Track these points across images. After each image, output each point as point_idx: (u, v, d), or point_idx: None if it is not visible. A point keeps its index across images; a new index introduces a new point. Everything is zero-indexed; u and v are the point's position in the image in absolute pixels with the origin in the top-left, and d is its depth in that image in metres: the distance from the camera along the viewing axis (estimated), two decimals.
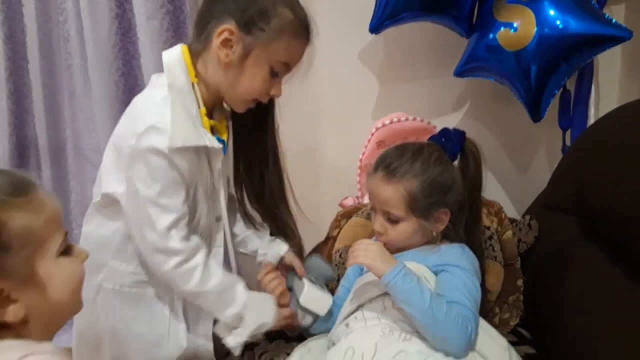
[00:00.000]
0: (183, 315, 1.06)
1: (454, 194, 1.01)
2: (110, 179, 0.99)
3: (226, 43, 0.93)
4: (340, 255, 1.29)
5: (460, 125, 1.07)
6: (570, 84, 1.40)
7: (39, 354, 0.59)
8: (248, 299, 1.01)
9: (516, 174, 1.55)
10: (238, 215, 1.19)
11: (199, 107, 0.97)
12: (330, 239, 1.36)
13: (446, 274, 0.98)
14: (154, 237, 0.93)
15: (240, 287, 1.02)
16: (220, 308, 1.00)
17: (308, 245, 1.39)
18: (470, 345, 0.91)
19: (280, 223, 1.19)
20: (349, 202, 1.51)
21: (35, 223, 0.62)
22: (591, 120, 1.41)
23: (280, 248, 1.18)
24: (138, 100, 1.00)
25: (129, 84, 1.64)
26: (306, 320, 1.10)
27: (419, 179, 0.98)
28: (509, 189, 1.53)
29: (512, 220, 1.25)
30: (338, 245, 1.31)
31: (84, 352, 1.09)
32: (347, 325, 1.01)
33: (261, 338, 1.12)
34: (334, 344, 0.99)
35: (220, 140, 1.00)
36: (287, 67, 0.99)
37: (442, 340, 0.90)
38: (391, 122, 1.40)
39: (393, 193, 0.98)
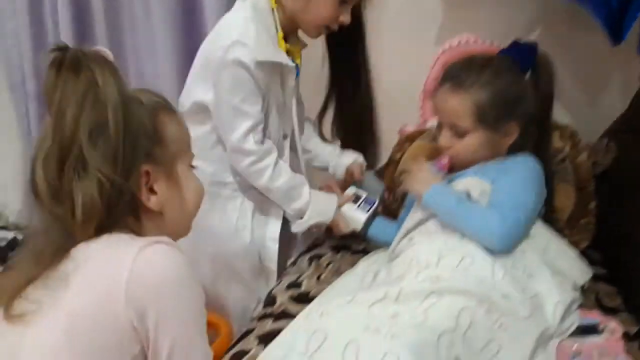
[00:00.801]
0: (251, 217, 1.19)
1: (524, 107, 0.98)
2: (198, 89, 1.11)
3: None
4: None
5: None
6: None
7: (166, 243, 0.62)
8: (311, 199, 1.14)
9: (588, 102, 1.49)
10: (312, 132, 1.30)
11: (277, 30, 1.07)
12: (392, 163, 1.35)
13: (499, 181, 0.96)
14: (234, 139, 1.07)
15: (305, 188, 1.15)
16: (287, 203, 1.14)
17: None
18: (510, 242, 0.89)
19: (364, 132, 1.31)
20: (410, 129, 1.49)
21: (182, 132, 0.73)
22: None
23: (348, 158, 1.28)
24: (224, 19, 1.11)
25: (189, 6, 1.63)
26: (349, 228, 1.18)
27: (488, 89, 0.96)
28: (580, 117, 1.46)
29: None
30: (402, 167, 1.30)
31: None
32: (410, 239, 1.01)
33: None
34: (397, 257, 0.99)
35: (293, 62, 1.11)
36: None
37: (476, 234, 0.90)
38: (459, 44, 1.36)
39: (460, 104, 0.97)
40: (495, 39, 1.38)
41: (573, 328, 0.84)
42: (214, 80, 1.06)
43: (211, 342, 1.01)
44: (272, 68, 1.06)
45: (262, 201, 1.19)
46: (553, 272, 0.91)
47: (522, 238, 0.92)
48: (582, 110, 1.47)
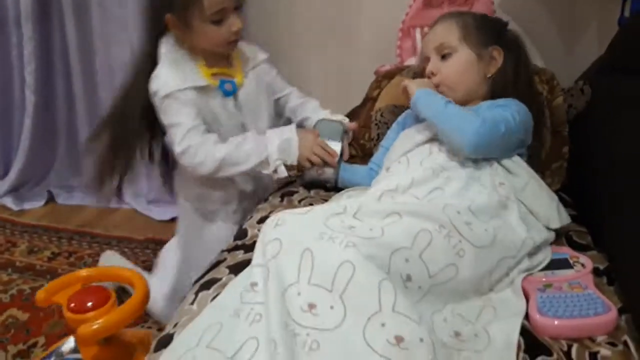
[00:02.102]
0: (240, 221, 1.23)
1: (507, 35, 1.06)
2: None
3: (176, 27, 1.08)
4: (381, 115, 1.25)
5: None
6: None
7: None
8: (266, 135, 1.12)
9: (565, 47, 1.48)
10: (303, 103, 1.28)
11: (194, 61, 1.12)
12: (369, 100, 1.32)
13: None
14: (177, 150, 1.10)
15: (248, 133, 1.13)
16: (247, 159, 1.10)
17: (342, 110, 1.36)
18: (481, 144, 0.90)
19: None
20: (386, 68, 1.45)
21: None
22: None
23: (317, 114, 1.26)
24: None
25: None
26: (327, 173, 1.14)
27: (472, 15, 1.07)
28: (557, 63, 1.45)
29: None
30: (379, 104, 1.27)
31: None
32: (387, 169, 1.00)
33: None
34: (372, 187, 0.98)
35: (227, 81, 1.14)
36: (222, 11, 1.06)
37: (454, 130, 0.91)
38: None
39: (447, 25, 1.05)
40: None
41: (545, 263, 0.84)
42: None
43: (127, 299, 0.97)
44: (191, 93, 1.09)
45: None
46: (526, 210, 0.91)
47: (494, 149, 0.93)
48: (560, 55, 1.46)
